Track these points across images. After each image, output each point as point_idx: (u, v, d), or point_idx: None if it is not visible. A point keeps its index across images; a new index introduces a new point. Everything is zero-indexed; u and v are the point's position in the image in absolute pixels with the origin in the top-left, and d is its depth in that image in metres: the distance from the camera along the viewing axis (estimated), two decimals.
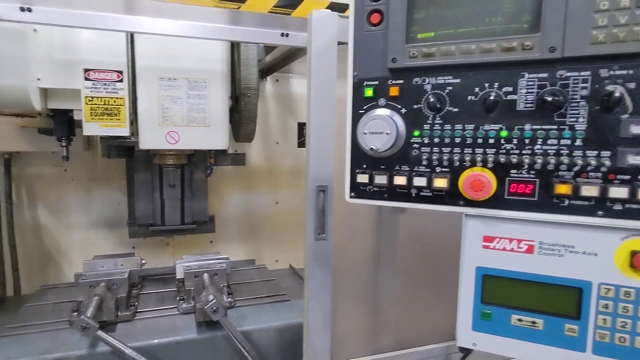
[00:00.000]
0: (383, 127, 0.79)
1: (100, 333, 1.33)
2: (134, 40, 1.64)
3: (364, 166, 0.85)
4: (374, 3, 0.81)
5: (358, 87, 0.84)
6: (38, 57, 1.55)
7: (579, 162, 0.70)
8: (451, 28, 0.75)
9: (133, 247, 2.34)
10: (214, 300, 1.40)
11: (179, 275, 1.64)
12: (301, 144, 2.51)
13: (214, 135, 1.75)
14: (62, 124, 1.76)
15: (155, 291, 1.80)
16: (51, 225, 2.20)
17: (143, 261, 1.74)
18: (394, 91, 0.81)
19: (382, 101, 0.82)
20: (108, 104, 1.63)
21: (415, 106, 0.80)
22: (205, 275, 1.58)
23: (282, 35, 1.39)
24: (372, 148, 0.79)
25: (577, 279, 0.74)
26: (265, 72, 2.28)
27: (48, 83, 1.58)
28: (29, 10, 1.24)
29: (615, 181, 0.68)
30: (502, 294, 0.80)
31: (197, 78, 1.69)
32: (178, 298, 1.67)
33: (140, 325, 1.52)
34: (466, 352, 0.86)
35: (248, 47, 1.78)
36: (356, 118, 0.84)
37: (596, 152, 0.69)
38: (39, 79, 1.57)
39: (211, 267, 1.63)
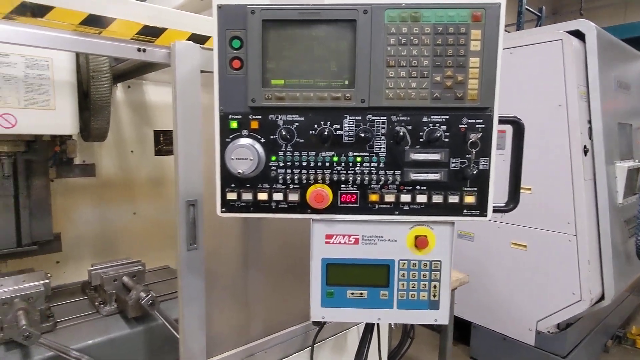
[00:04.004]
0: (247, 154, 0.98)
1: (43, 339, 1.37)
2: None
3: (232, 185, 1.02)
4: (235, 51, 0.99)
5: (224, 119, 1.01)
6: None
7: (382, 178, 1.02)
8: (296, 78, 0.99)
9: None
10: (149, 294, 1.53)
11: (95, 282, 1.75)
12: (158, 152, 2.49)
13: (60, 119, 1.63)
14: None
15: (63, 303, 1.79)
16: None
17: (48, 275, 1.65)
18: (254, 124, 1.00)
19: (245, 132, 1.01)
20: None
21: (271, 137, 1.01)
22: (125, 278, 1.72)
23: (139, 50, 1.41)
24: (239, 172, 0.97)
25: (386, 259, 1.07)
26: (115, 78, 2.19)
27: None
28: None
29: (404, 191, 1.02)
30: (340, 276, 1.08)
31: (35, 56, 1.54)
32: (97, 303, 1.72)
33: (66, 332, 1.55)
34: (320, 325, 1.12)
35: None
36: (224, 145, 1.01)
37: (392, 171, 1.02)
38: None
39: (129, 269, 1.77)
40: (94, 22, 1.11)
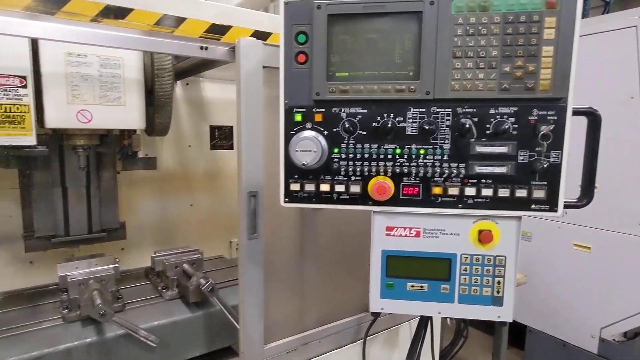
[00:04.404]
0: (311, 146, 1.01)
1: (116, 317, 1.47)
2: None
3: (295, 176, 1.06)
4: (300, 46, 1.01)
5: (289, 112, 1.04)
6: None
7: (446, 171, 1.01)
8: (360, 71, 1.00)
9: (31, 262, 2.18)
10: (209, 281, 1.61)
11: (158, 268, 1.86)
12: (214, 146, 2.59)
13: (130, 114, 1.74)
14: None
15: (129, 286, 1.93)
16: None
17: (117, 259, 1.79)
18: (318, 117, 1.03)
19: (308, 125, 1.04)
20: (10, 112, 1.55)
21: (334, 129, 1.03)
22: (186, 265, 1.81)
23: (202, 48, 1.46)
24: (303, 163, 1.00)
25: (447, 252, 1.06)
26: (176, 76, 2.30)
27: None
28: None
29: (468, 184, 1.00)
30: (400, 268, 1.08)
31: (109, 56, 1.65)
32: (160, 287, 1.84)
33: (133, 313, 1.65)
34: (376, 315, 1.13)
35: None
36: (288, 138, 1.04)
37: (456, 164, 1.00)
38: None
39: (189, 257, 1.87)
40: (169, 22, 1.18)
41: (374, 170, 1.03)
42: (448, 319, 1.86)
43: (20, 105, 1.55)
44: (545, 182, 0.97)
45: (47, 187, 1.94)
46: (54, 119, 1.60)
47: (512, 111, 0.96)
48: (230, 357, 1.70)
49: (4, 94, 1.53)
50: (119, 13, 1.08)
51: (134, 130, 2.09)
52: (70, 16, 1.00)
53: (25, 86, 1.55)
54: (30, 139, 1.58)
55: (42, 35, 1.19)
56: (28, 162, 1.88)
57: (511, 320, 1.05)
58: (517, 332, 3.26)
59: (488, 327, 3.66)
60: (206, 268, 2.09)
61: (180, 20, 1.20)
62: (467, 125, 0.97)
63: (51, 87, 1.58)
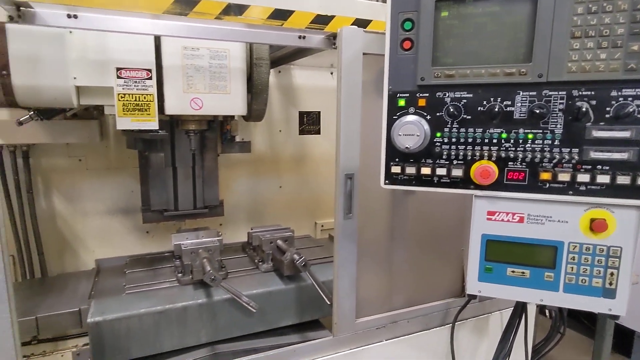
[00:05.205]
0: (414, 130, 1.04)
1: (224, 283, 1.64)
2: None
3: (397, 159, 1.10)
4: (406, 33, 1.04)
5: (392, 98, 1.08)
6: (73, 58, 1.68)
7: (557, 156, 0.98)
8: (467, 55, 1.01)
9: (147, 232, 2.50)
10: (302, 257, 1.73)
11: (255, 242, 2.03)
12: (302, 131, 2.71)
13: (234, 102, 1.89)
14: None
15: (229, 258, 2.16)
16: (67, 213, 2.30)
17: (220, 233, 2.00)
18: (421, 102, 1.06)
19: (411, 109, 1.07)
20: (139, 100, 1.79)
21: (437, 114, 1.05)
22: (279, 241, 1.96)
23: (300, 37, 1.51)
24: (406, 147, 1.04)
25: (554, 240, 1.03)
26: (270, 64, 2.44)
27: (83, 81, 1.71)
28: (75, 17, 1.37)
29: (581, 170, 0.96)
30: (500, 253, 1.08)
31: (218, 48, 1.76)
32: (257, 260, 2.02)
33: (235, 281, 1.82)
34: (472, 297, 1.14)
35: None
36: (391, 122, 1.08)
37: (569, 149, 0.97)
38: (75, 78, 1.70)
39: (282, 234, 2.02)
40: (279, 15, 1.28)
41: (477, 154, 1.03)
42: (546, 311, 1.79)
43: (147, 94, 1.78)
44: None
45: (161, 167, 2.20)
46: (172, 107, 1.82)
47: (638, 93, 0.90)
48: (319, 329, 1.82)
49: (135, 85, 1.77)
50: (237, 10, 1.20)
51: (233, 116, 2.27)
52: (199, 15, 1.14)
53: (150, 78, 1.78)
54: (154, 124, 1.81)
55: (165, 32, 1.39)
56: (146, 145, 2.15)
57: (624, 314, 1.00)
58: (623, 338, 2.99)
59: (587, 329, 3.40)
60: (296, 246, 2.26)
61: (289, 14, 1.29)
62: (584, 109, 0.93)
63: (171, 78, 1.79)
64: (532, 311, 1.80)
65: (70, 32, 1.66)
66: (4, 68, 1.59)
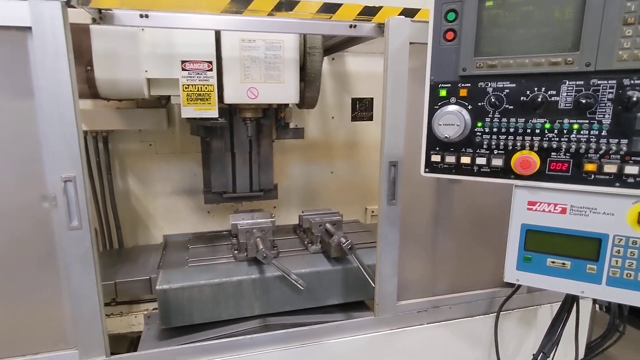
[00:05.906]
0: (454, 120, 1.06)
1: (275, 261, 1.76)
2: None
3: (437, 148, 1.13)
4: (449, 23, 1.06)
5: (434, 88, 1.11)
6: (145, 53, 1.86)
7: (603, 147, 0.95)
8: (510, 45, 1.00)
9: (208, 212, 2.71)
10: (349, 240, 1.78)
11: (305, 225, 2.12)
12: (354, 118, 2.75)
13: (287, 90, 1.99)
14: None
15: (281, 238, 2.29)
16: (140, 192, 2.55)
17: (273, 215, 2.13)
18: (463, 92, 1.07)
19: (453, 99, 1.09)
20: (201, 91, 1.95)
21: (479, 104, 1.06)
22: (328, 225, 2.04)
23: (351, 26, 1.50)
24: (446, 137, 1.07)
25: (598, 232, 1.01)
26: (324, 52, 2.49)
27: (153, 74, 1.90)
28: (146, 16, 1.52)
29: (630, 161, 0.93)
30: (540, 243, 1.08)
31: (272, 39, 1.90)
32: (306, 242, 2.13)
33: (285, 260, 1.93)
34: (511, 286, 1.15)
35: None
36: (432, 112, 1.11)
37: (617, 140, 0.94)
38: (146, 71, 1.89)
39: (331, 218, 2.10)
40: (328, 9, 1.34)
41: (518, 144, 1.03)
42: (597, 307, 1.72)
43: (208, 85, 1.94)
44: None
45: (221, 152, 2.37)
46: (231, 96, 1.96)
47: None
48: (363, 310, 1.90)
49: (197, 76, 1.93)
50: (288, 6, 1.28)
51: (287, 104, 2.38)
52: (253, 13, 1.24)
53: (211, 69, 1.92)
54: (214, 113, 1.96)
55: (226, 27, 1.51)
56: (208, 131, 2.33)
57: None
58: None
59: None
60: (344, 230, 2.34)
61: (337, 7, 1.34)
62: (635, 99, 0.90)
63: (229, 69, 1.93)
64: (586, 306, 1.74)
65: (142, 30, 1.85)
66: (89, 64, 1.82)
